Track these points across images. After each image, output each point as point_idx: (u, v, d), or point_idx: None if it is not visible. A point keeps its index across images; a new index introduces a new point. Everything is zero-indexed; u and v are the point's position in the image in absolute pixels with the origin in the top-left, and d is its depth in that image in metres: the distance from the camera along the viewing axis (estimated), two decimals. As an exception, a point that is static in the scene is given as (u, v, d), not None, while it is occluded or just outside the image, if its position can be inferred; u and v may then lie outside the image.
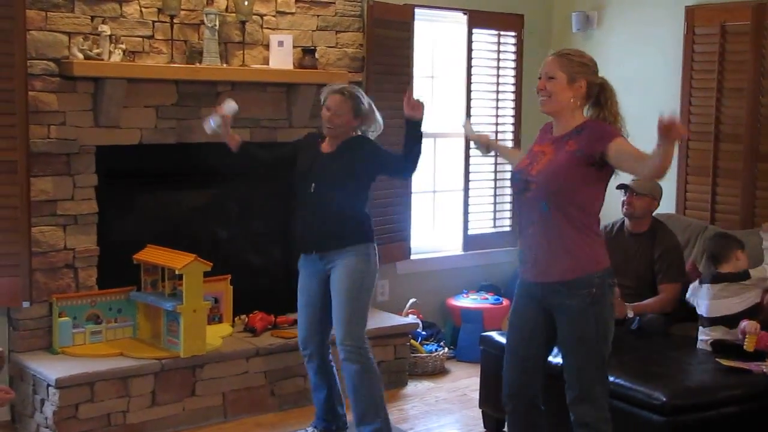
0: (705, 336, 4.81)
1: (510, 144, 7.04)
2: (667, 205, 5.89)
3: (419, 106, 4.49)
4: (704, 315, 4.83)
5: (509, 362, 3.95)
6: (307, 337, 4.81)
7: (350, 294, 4.59)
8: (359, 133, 4.75)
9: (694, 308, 4.92)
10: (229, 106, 4.76)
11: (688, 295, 4.99)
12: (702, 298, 4.85)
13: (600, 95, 3.75)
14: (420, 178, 6.49)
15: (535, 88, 3.79)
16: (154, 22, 5.33)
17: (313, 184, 4.63)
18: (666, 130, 3.25)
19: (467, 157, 6.89)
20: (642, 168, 3.56)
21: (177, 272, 5.02)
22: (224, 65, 5.49)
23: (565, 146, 3.70)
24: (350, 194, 4.66)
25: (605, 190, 3.78)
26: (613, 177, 3.78)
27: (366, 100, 4.73)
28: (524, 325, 3.89)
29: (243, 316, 5.74)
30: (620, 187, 5.15)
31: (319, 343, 4.79)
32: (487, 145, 4.37)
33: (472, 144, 5.59)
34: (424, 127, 4.58)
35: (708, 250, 5.03)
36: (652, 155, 3.41)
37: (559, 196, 3.68)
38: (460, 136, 6.79)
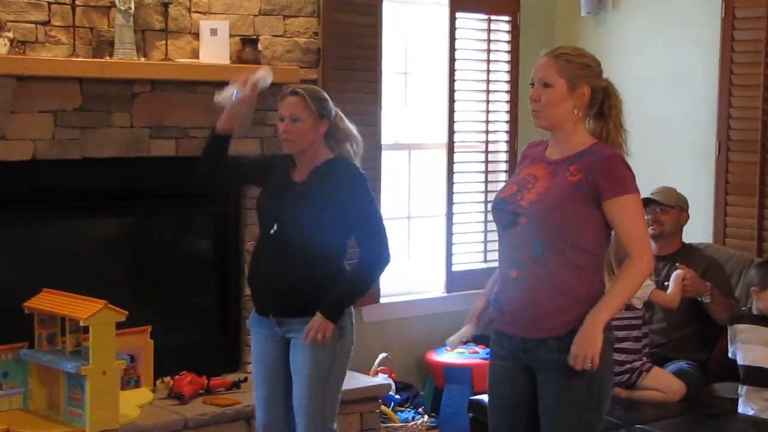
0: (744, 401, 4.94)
1: (504, 156, 7.04)
2: (701, 233, 5.97)
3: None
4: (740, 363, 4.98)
5: None
6: (268, 419, 4.60)
7: (316, 383, 4.42)
8: (339, 153, 4.54)
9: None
10: (264, 75, 4.58)
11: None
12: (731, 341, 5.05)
13: (603, 103, 3.76)
14: (391, 200, 6.48)
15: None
16: (50, 3, 5.24)
17: (275, 224, 4.43)
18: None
19: (450, 173, 6.84)
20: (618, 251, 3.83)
21: (81, 324, 4.90)
22: (142, 59, 5.44)
23: (566, 173, 3.68)
24: (325, 241, 4.43)
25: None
26: None
27: (332, 104, 4.58)
28: (507, 396, 3.84)
29: (167, 379, 5.60)
30: None
31: (284, 426, 4.62)
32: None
33: None
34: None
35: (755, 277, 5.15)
36: (620, 274, 3.69)
37: (557, 236, 3.64)
38: (441, 147, 6.84)
